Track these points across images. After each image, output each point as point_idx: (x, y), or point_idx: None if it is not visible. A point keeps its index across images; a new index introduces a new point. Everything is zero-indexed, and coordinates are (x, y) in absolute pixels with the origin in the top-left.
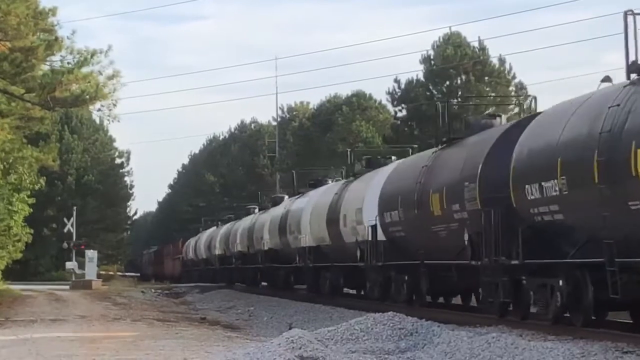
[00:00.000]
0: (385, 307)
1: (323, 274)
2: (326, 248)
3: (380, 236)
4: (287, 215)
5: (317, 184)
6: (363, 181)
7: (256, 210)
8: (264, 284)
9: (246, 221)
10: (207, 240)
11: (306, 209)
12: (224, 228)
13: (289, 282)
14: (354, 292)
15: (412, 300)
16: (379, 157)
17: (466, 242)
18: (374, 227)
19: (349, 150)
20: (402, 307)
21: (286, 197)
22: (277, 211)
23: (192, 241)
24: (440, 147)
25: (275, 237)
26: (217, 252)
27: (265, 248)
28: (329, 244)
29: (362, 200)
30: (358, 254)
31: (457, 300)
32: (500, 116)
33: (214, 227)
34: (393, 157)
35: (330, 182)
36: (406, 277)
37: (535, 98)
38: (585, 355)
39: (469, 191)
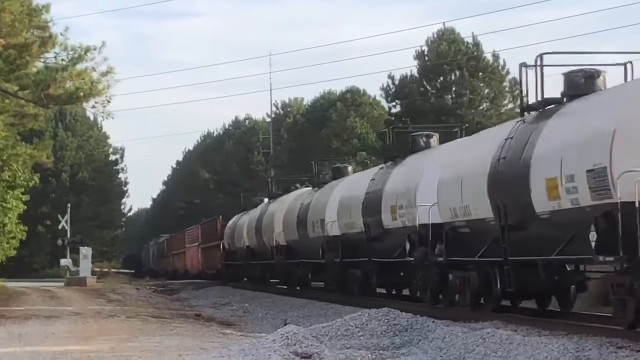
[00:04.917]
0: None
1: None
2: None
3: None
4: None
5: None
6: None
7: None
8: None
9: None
10: (285, 214)
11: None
12: (326, 190)
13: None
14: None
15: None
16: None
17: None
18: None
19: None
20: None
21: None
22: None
23: (242, 220)
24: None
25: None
26: (330, 231)
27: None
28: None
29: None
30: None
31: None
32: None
33: (299, 190)
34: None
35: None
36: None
37: None
38: (579, 351)
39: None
